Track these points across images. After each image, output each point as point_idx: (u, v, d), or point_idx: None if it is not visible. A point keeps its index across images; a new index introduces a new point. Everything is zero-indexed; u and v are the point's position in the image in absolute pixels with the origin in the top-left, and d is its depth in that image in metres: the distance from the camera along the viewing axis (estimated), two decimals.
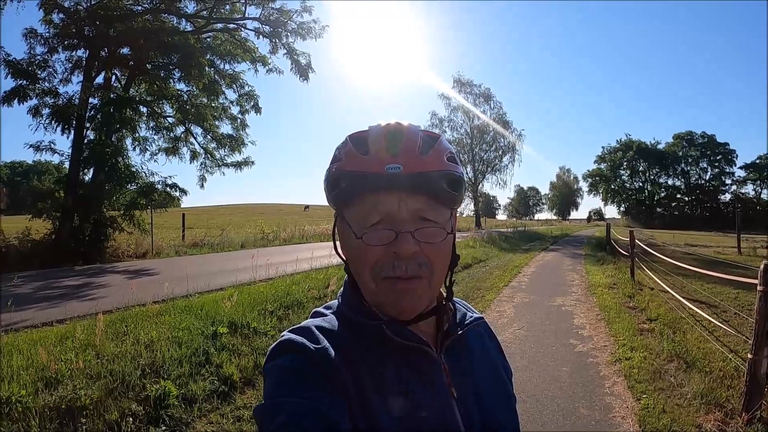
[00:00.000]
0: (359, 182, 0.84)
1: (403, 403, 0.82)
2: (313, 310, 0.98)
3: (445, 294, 0.98)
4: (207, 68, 19.27)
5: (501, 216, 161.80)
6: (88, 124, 17.82)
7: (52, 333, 6.15)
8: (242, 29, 20.62)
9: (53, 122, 17.23)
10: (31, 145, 17.09)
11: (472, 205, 56.72)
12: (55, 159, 18.10)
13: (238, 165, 22.20)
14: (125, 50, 18.84)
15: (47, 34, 17.56)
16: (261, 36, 20.55)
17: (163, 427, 4.13)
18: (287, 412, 0.73)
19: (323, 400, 0.75)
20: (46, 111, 17.35)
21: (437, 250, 0.85)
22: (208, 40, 20.26)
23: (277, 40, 20.34)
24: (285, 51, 20.64)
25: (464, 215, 67.84)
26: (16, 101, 16.73)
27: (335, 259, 12.65)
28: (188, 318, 6.57)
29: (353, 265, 0.90)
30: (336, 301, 0.98)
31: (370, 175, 0.83)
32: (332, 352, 0.83)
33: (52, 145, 17.26)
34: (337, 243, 0.95)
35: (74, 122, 17.42)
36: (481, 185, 55.16)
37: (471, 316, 1.01)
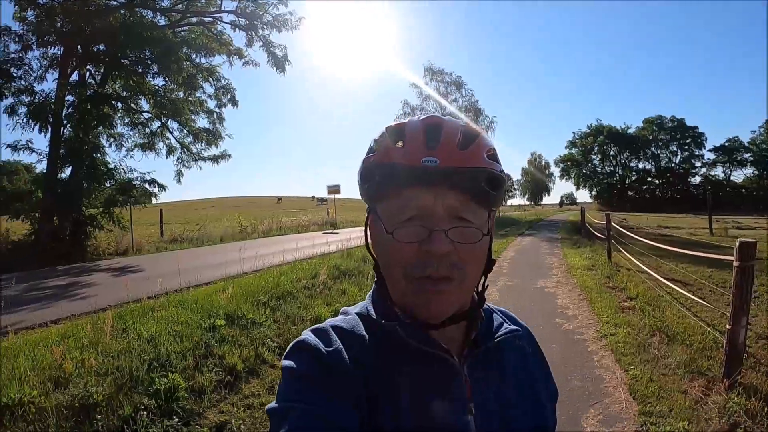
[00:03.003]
0: (393, 175, 0.80)
1: (414, 415, 0.78)
2: (342, 308, 0.95)
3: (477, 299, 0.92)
4: (184, 62, 19.19)
5: None
6: (65, 122, 17.65)
7: (51, 333, 6.15)
8: (218, 22, 20.56)
9: (30, 121, 17.08)
10: (8, 145, 16.97)
11: None
12: (33, 158, 17.92)
13: (215, 159, 22.24)
14: (101, 46, 18.62)
15: (21, 31, 17.36)
16: (237, 29, 20.54)
17: (176, 419, 4.21)
18: (294, 418, 0.72)
19: (330, 407, 0.73)
20: (22, 110, 17.25)
21: (471, 251, 0.81)
22: (183, 33, 20.12)
23: (253, 33, 20.33)
24: (261, 43, 20.66)
25: None
26: None
27: (318, 249, 12.71)
28: (184, 312, 6.63)
29: (384, 262, 0.86)
30: (366, 300, 0.94)
31: (405, 167, 0.79)
32: (346, 355, 0.80)
33: (30, 144, 17.13)
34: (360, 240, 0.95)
35: (51, 120, 17.19)
36: None
37: (507, 328, 0.94)
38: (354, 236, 17.18)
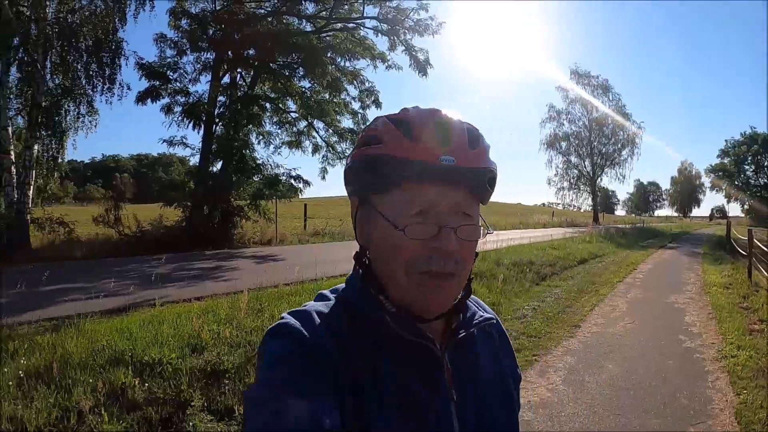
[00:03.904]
0: (407, 169, 0.79)
1: (400, 401, 0.78)
2: (319, 292, 0.93)
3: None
4: (329, 66, 19.73)
5: (620, 211, 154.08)
6: (217, 120, 18.87)
7: (194, 308, 6.61)
8: (361, 28, 20.97)
9: (185, 119, 18.40)
10: (165, 140, 18.33)
11: (590, 199, 54.84)
12: (186, 152, 19.40)
13: None
14: (250, 51, 19.77)
15: (176, 39, 18.89)
16: (379, 34, 20.79)
17: None
18: (273, 406, 0.69)
19: (310, 396, 0.71)
20: (177, 109, 18.57)
21: (471, 247, 0.83)
22: (328, 38, 20.74)
23: (395, 38, 20.48)
24: (403, 48, 20.80)
25: (582, 210, 65.75)
26: (149, 100, 18.10)
27: None
28: None
29: (382, 255, 0.84)
30: (343, 285, 0.93)
31: (422, 163, 0.78)
32: (328, 340, 0.78)
33: (184, 140, 18.44)
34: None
35: (204, 118, 18.48)
36: (599, 179, 53.46)
37: (482, 316, 0.95)
38: (491, 239, 16.43)
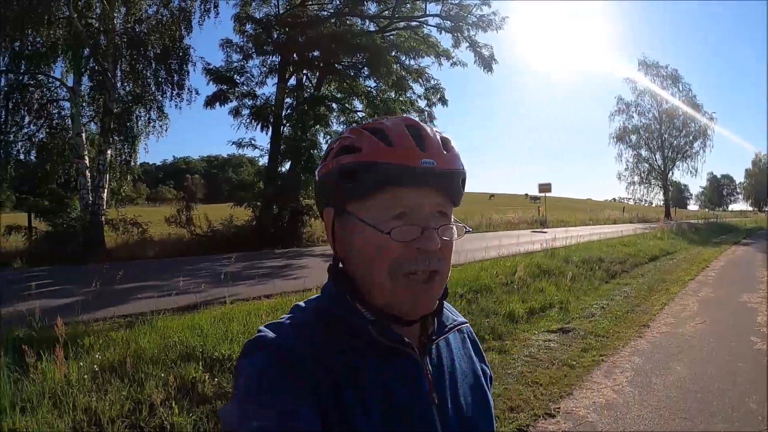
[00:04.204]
0: (389, 174, 0.80)
1: (384, 408, 0.79)
2: (294, 304, 0.92)
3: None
4: (394, 65, 19.80)
5: (692, 206, 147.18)
6: (284, 122, 19.27)
7: (263, 305, 6.71)
8: (424, 25, 20.95)
9: (253, 121, 18.95)
10: (234, 142, 18.96)
11: (662, 194, 52.98)
12: (255, 153, 19.86)
13: None
14: (315, 53, 20.08)
15: (242, 43, 19.43)
16: (443, 31, 20.70)
17: None
18: (253, 423, 0.68)
19: (292, 410, 0.71)
20: (245, 111, 19.14)
21: (451, 247, 0.85)
22: (392, 37, 20.82)
23: (459, 34, 20.34)
24: (467, 44, 20.62)
25: (653, 205, 63.55)
26: (217, 104, 18.76)
27: (522, 247, 12.45)
28: None
29: (363, 260, 0.84)
30: (323, 297, 0.91)
31: (404, 167, 0.79)
32: (305, 349, 0.78)
33: (253, 141, 18.93)
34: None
35: (272, 120, 18.94)
36: (671, 173, 51.49)
37: (454, 320, 0.98)
38: (560, 236, 16.53)
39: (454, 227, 0.86)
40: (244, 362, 0.78)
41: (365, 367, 0.81)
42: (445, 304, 0.99)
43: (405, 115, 0.90)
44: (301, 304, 0.91)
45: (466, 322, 1.03)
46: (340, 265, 0.90)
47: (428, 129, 0.86)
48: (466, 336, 1.03)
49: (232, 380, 0.81)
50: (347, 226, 0.85)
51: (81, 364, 4.26)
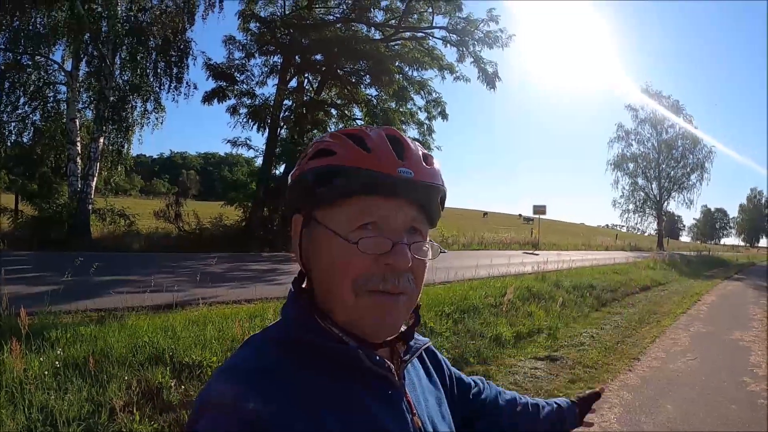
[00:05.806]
0: (364, 180, 0.75)
1: None
2: (250, 336, 0.82)
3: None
4: (396, 75, 19.74)
5: (685, 237, 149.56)
6: (281, 124, 19.14)
7: (242, 310, 6.53)
8: (430, 38, 20.96)
9: (249, 120, 18.74)
10: (228, 141, 18.83)
11: (656, 224, 53.38)
12: (250, 154, 19.73)
13: None
14: (318, 57, 19.97)
15: (245, 41, 19.29)
16: (448, 44, 20.70)
17: None
18: None
19: None
20: (243, 110, 18.96)
21: (423, 267, 0.80)
22: (396, 47, 20.79)
23: (464, 49, 20.35)
24: (472, 59, 20.62)
25: (646, 234, 63.75)
26: (215, 101, 18.52)
27: (513, 268, 12.34)
28: None
29: (326, 273, 0.77)
30: (281, 322, 0.82)
31: (380, 174, 0.75)
32: (279, 408, 0.66)
33: (248, 141, 18.83)
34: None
35: (269, 121, 18.74)
36: (666, 203, 52.01)
37: (421, 341, 0.92)
38: (552, 259, 16.49)
39: (429, 246, 0.81)
40: (195, 429, 0.65)
41: (346, 394, 0.74)
42: None
43: (395, 127, 0.84)
44: (258, 336, 0.81)
45: (429, 341, 0.96)
46: (304, 283, 0.83)
47: (410, 141, 0.82)
48: (426, 355, 1.00)
49: None
50: (314, 236, 0.79)
51: (42, 359, 4.02)
